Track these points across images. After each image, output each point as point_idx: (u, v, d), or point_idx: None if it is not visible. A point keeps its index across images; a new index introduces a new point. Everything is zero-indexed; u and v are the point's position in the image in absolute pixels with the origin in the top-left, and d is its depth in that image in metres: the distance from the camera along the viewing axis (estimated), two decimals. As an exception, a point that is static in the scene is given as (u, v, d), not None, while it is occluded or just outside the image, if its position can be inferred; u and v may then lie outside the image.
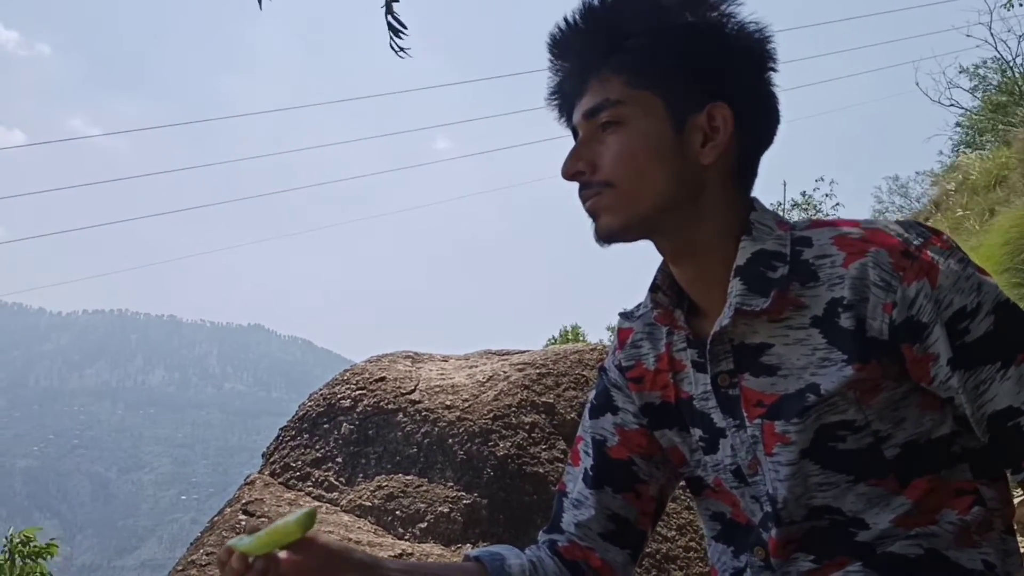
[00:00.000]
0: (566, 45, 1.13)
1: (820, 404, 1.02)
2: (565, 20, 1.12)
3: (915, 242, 1.01)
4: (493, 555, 1.21)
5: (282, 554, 1.04)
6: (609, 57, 1.09)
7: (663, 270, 1.18)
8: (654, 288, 1.18)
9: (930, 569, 1.02)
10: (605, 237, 1.10)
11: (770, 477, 1.07)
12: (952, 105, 15.08)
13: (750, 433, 1.08)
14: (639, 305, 1.26)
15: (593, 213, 1.10)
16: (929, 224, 1.12)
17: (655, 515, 1.26)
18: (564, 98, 1.16)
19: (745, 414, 1.08)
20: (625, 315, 1.27)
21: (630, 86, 1.07)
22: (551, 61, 1.15)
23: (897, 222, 1.06)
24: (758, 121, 1.11)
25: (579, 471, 1.26)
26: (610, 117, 1.08)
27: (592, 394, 1.29)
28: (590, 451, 1.26)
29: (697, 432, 1.16)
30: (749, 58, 1.10)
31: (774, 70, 1.12)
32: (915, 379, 1.01)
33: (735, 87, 1.08)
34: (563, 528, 1.25)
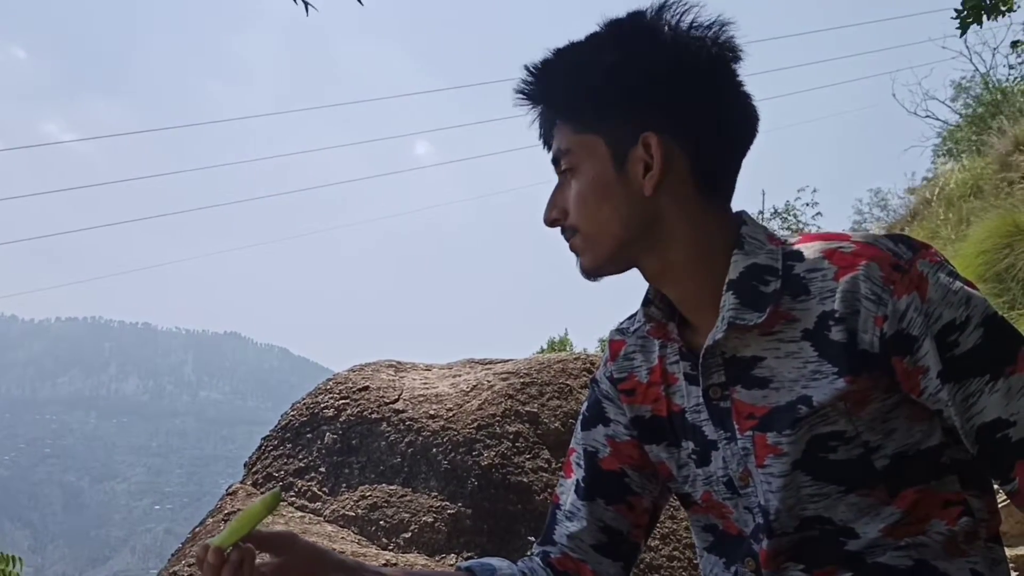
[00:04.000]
0: (528, 101, 1.18)
1: (812, 416, 1.04)
2: (520, 80, 1.16)
3: (905, 256, 1.02)
4: (484, 565, 1.21)
5: (265, 556, 1.06)
6: (555, 111, 1.15)
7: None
8: (646, 302, 1.19)
9: None
10: (586, 276, 1.17)
11: (762, 489, 1.08)
12: (928, 117, 15.28)
13: (741, 445, 1.09)
14: (631, 318, 1.27)
15: (574, 253, 1.16)
16: (906, 234, 1.14)
17: (648, 527, 1.27)
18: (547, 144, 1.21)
19: (736, 426, 1.09)
20: (618, 329, 1.29)
21: (575, 132, 1.12)
22: (529, 110, 1.19)
23: (887, 235, 1.08)
24: (708, 135, 1.10)
25: (571, 483, 1.27)
26: (566, 165, 1.13)
27: (584, 406, 1.30)
28: (582, 463, 1.26)
29: (689, 445, 1.16)
30: (680, 77, 1.08)
31: (727, 76, 1.11)
32: (906, 391, 1.03)
33: (666, 112, 1.08)
34: (555, 540, 1.26)
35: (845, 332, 1.02)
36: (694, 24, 1.09)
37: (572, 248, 1.16)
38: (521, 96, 1.17)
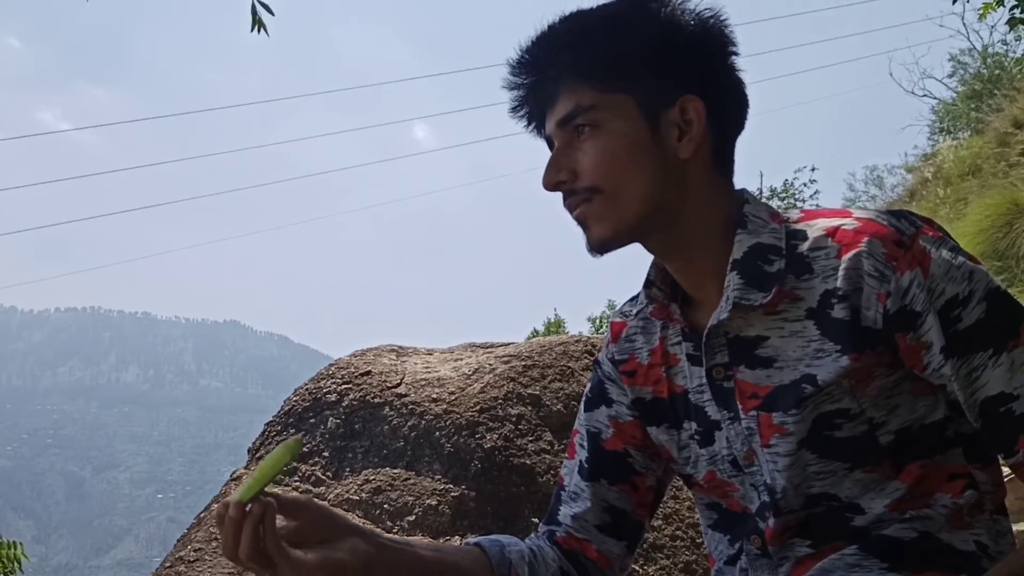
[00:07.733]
0: (530, 61, 1.13)
1: (817, 394, 1.04)
2: (529, 39, 1.12)
3: (908, 232, 1.02)
4: (493, 541, 1.22)
5: (280, 520, 1.04)
6: (576, 65, 1.09)
7: (657, 265, 1.19)
8: (648, 284, 1.18)
9: (924, 551, 1.04)
10: (598, 247, 1.10)
11: (768, 468, 1.08)
12: (925, 95, 15.25)
13: (745, 425, 1.09)
14: (632, 300, 1.27)
15: (582, 222, 1.10)
16: (908, 210, 1.13)
17: (652, 506, 1.27)
18: (532, 109, 1.16)
19: (740, 406, 1.10)
20: (619, 311, 1.29)
21: (600, 91, 1.08)
22: (512, 79, 1.15)
23: (888, 212, 1.08)
24: (728, 108, 1.12)
25: (575, 464, 1.27)
26: (584, 122, 1.08)
27: (587, 387, 1.30)
28: (585, 444, 1.27)
29: (692, 425, 1.17)
30: (710, 48, 1.11)
31: (735, 54, 1.13)
32: (908, 367, 1.03)
33: (701, 78, 1.09)
34: (560, 520, 1.26)
35: (848, 310, 1.02)
36: (703, 9, 1.11)
37: (582, 215, 1.10)
38: (521, 65, 1.13)
